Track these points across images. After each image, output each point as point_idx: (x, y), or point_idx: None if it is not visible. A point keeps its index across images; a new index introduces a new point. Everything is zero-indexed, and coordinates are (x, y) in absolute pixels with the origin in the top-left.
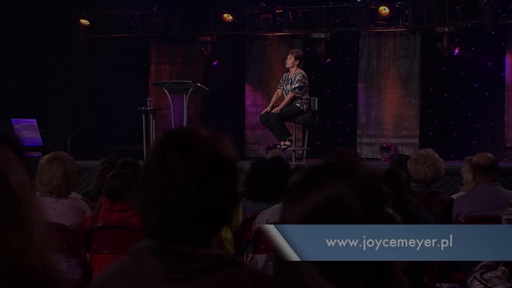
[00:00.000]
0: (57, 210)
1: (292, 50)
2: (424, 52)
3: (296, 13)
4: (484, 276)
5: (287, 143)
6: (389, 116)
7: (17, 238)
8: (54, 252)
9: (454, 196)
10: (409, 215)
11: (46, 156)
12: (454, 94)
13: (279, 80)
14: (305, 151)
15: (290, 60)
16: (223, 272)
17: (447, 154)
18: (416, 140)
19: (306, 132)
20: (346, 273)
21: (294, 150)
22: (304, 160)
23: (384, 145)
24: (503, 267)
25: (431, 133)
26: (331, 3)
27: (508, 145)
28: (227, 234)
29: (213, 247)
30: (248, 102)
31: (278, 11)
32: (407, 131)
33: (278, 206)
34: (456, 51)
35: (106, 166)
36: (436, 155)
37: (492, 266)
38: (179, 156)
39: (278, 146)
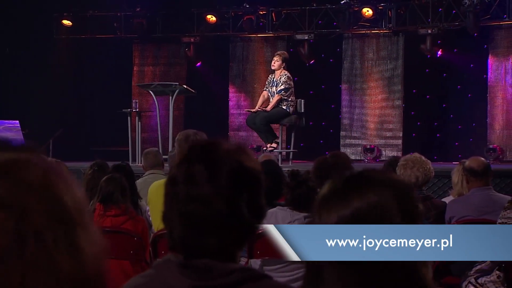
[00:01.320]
0: None
1: (278, 52)
2: (407, 53)
3: (280, 15)
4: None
5: (274, 145)
6: (372, 117)
7: (70, 264)
8: (108, 278)
9: (445, 200)
10: None
11: None
12: (437, 95)
13: (263, 82)
14: (291, 153)
15: (277, 62)
16: (250, 286)
17: (430, 156)
18: (399, 142)
19: (293, 134)
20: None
21: (280, 152)
22: (290, 162)
23: (368, 147)
24: (497, 272)
25: (414, 135)
26: (314, 5)
27: (491, 146)
28: None
29: (238, 260)
30: (231, 103)
31: (261, 13)
32: (390, 133)
33: (272, 210)
34: (439, 52)
35: (96, 170)
36: (423, 157)
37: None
38: (204, 169)
39: (264, 148)
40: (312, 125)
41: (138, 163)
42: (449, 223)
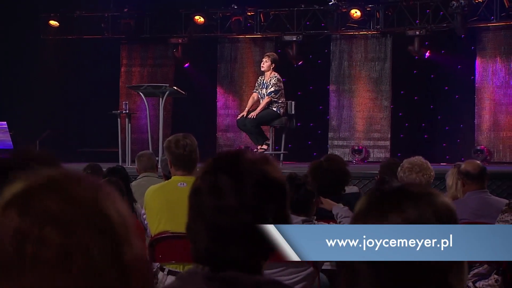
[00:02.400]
0: None
1: (267, 53)
2: (395, 55)
3: (268, 16)
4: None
5: (264, 147)
6: (361, 118)
7: (116, 279)
8: None
9: None
10: None
11: None
12: (425, 96)
13: (251, 83)
14: (281, 154)
15: (266, 63)
16: None
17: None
18: (387, 143)
19: (283, 136)
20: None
21: (271, 154)
22: (281, 164)
23: (356, 148)
24: (495, 276)
25: (401, 136)
26: (302, 6)
27: (478, 147)
28: None
29: (263, 272)
30: (219, 104)
31: (249, 14)
32: (378, 134)
33: None
34: (427, 54)
35: (89, 173)
36: (428, 163)
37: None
38: (230, 180)
39: (255, 150)
40: (300, 126)
41: (129, 165)
42: None
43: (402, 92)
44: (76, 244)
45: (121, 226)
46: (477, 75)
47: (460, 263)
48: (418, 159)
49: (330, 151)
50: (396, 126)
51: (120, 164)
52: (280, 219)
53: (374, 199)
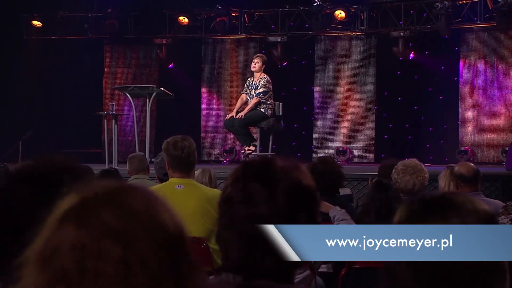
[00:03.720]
0: None
1: (259, 54)
2: (379, 56)
3: (252, 16)
4: None
5: (252, 148)
6: (345, 119)
7: None
8: None
9: None
10: None
11: (15, 167)
12: (409, 97)
13: (236, 84)
14: (269, 156)
15: (258, 64)
16: None
17: (401, 158)
18: (372, 144)
19: (270, 137)
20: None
21: (258, 156)
22: None
23: (340, 149)
24: None
25: (386, 137)
26: (287, 7)
27: (462, 148)
28: (215, 245)
29: (293, 281)
30: (204, 105)
31: (234, 14)
32: (363, 134)
33: None
34: (411, 55)
35: None
36: (422, 165)
37: None
38: (262, 188)
39: (242, 151)
40: (284, 127)
41: (115, 166)
42: None
43: (386, 93)
44: (135, 257)
45: (177, 238)
46: (461, 76)
47: (500, 266)
48: (412, 161)
49: (314, 152)
50: (380, 127)
51: (106, 165)
52: None
53: (415, 209)
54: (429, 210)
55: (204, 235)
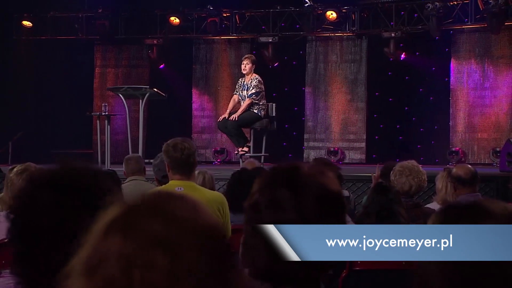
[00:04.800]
0: None
1: (247, 56)
2: (370, 56)
3: (244, 17)
4: None
5: (245, 149)
6: (336, 120)
7: None
8: None
9: (430, 206)
10: None
11: (14, 169)
12: (399, 98)
13: (227, 84)
14: (262, 157)
15: (248, 65)
16: None
17: (392, 158)
18: (363, 144)
19: (264, 138)
20: None
21: (251, 157)
22: (262, 165)
23: (331, 149)
24: None
25: (376, 137)
26: (278, 7)
27: (453, 149)
28: None
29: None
30: (195, 105)
31: (225, 15)
32: (354, 135)
33: None
34: (402, 56)
35: None
36: (420, 167)
37: None
38: (289, 194)
39: (236, 152)
40: (271, 126)
41: (108, 167)
42: None
43: (377, 93)
44: (183, 267)
45: (222, 245)
46: (451, 77)
47: None
48: (410, 162)
49: (305, 153)
50: (371, 128)
51: (99, 166)
52: None
53: (450, 216)
54: (465, 217)
55: None
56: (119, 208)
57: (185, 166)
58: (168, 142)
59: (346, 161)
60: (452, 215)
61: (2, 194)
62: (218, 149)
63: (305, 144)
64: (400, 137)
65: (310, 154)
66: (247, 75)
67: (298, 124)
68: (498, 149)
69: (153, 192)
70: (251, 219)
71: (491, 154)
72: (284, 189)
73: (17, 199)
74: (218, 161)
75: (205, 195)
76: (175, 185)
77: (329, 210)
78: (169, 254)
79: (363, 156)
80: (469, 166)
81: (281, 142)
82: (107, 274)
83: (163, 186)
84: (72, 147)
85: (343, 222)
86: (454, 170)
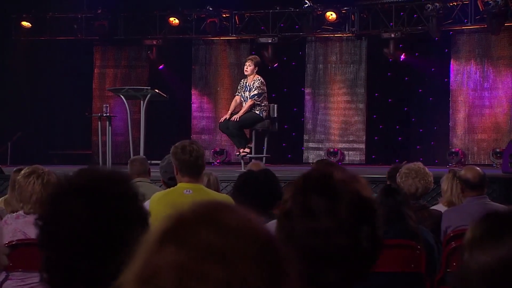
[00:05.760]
0: None
1: (250, 57)
2: (370, 57)
3: (243, 18)
4: None
5: (247, 150)
6: (336, 121)
7: None
8: None
9: (435, 208)
10: (409, 232)
11: (22, 172)
12: (399, 99)
13: (226, 85)
14: (264, 158)
15: (250, 67)
16: None
17: (391, 159)
18: (362, 145)
19: (265, 139)
20: None
21: (252, 158)
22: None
23: (331, 150)
24: None
25: (376, 138)
26: (278, 8)
27: (453, 150)
28: None
29: None
30: (194, 106)
31: (224, 15)
32: (353, 136)
33: (272, 222)
34: (402, 56)
35: None
36: (426, 169)
37: None
38: (323, 201)
39: (237, 153)
40: (272, 128)
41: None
42: (446, 232)
43: (376, 94)
44: (239, 278)
45: (276, 255)
46: (451, 78)
47: None
48: (416, 164)
49: (305, 154)
50: (371, 129)
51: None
52: (374, 241)
53: (490, 224)
54: (506, 227)
55: None
56: (171, 218)
57: (193, 168)
58: (176, 144)
59: (346, 162)
60: (493, 226)
61: (6, 196)
62: (218, 150)
63: (305, 145)
64: (400, 138)
65: (310, 155)
66: (249, 76)
67: (297, 125)
68: (498, 150)
69: (204, 202)
70: (283, 227)
71: (491, 155)
72: (317, 197)
73: (46, 206)
74: (217, 162)
75: (214, 197)
76: (183, 187)
77: (364, 217)
78: (224, 265)
79: (363, 157)
80: (478, 168)
81: (281, 143)
82: (161, 285)
83: (172, 188)
84: (71, 147)
85: (378, 229)
86: (462, 172)
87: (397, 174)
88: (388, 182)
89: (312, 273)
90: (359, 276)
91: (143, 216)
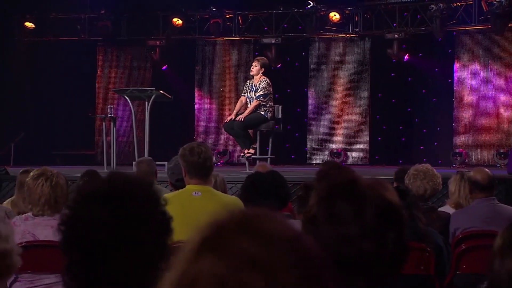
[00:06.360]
0: (55, 227)
1: (258, 58)
2: (373, 58)
3: (246, 18)
4: None
5: (251, 151)
6: (339, 121)
7: None
8: None
9: (442, 209)
10: (419, 234)
11: (31, 174)
12: (402, 99)
13: (229, 85)
14: (268, 159)
15: (255, 68)
16: None
17: (395, 159)
18: (366, 146)
19: (270, 140)
20: None
21: (256, 159)
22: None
23: (334, 151)
24: None
25: (379, 138)
26: (281, 8)
27: (457, 150)
28: None
29: None
30: (197, 106)
31: (228, 16)
32: (357, 137)
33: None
34: (406, 57)
35: (86, 180)
36: (434, 170)
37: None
38: (350, 207)
39: (242, 154)
40: (277, 129)
41: (113, 169)
42: (454, 234)
43: (379, 95)
44: None
45: (318, 263)
46: (455, 78)
47: None
48: (424, 166)
49: (308, 154)
50: (374, 129)
51: (105, 168)
52: (401, 247)
53: None
54: None
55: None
56: (209, 227)
57: (202, 170)
58: (184, 146)
59: (349, 162)
60: None
61: (13, 197)
62: (221, 150)
63: (308, 145)
64: (403, 139)
65: (313, 156)
66: (255, 76)
67: (300, 125)
68: (502, 151)
69: (241, 210)
70: (308, 233)
71: (495, 156)
72: (344, 202)
73: (69, 211)
74: (221, 163)
75: (223, 199)
76: (192, 189)
77: (390, 223)
78: (264, 274)
79: (366, 158)
80: (487, 170)
81: (284, 143)
82: None
83: (180, 191)
84: (74, 148)
85: (404, 235)
86: (471, 173)
87: (405, 176)
88: (395, 184)
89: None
90: (385, 282)
91: (166, 221)
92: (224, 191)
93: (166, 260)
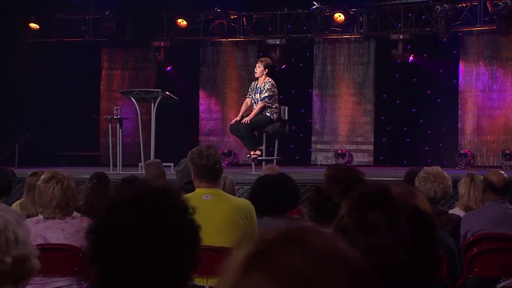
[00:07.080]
0: (66, 231)
1: (261, 59)
2: (378, 58)
3: (251, 19)
4: None
5: (257, 152)
6: (344, 122)
7: None
8: None
9: (452, 212)
10: None
11: (42, 177)
12: (407, 100)
13: (234, 86)
14: (275, 160)
15: (259, 69)
16: None
17: (399, 160)
18: (371, 147)
19: (276, 141)
20: None
21: (262, 160)
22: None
23: (339, 152)
24: None
25: (384, 139)
26: (286, 9)
27: (462, 151)
28: None
29: None
30: (202, 107)
31: (232, 17)
32: (362, 137)
33: None
34: (410, 58)
35: (95, 183)
36: (444, 173)
37: None
38: (382, 217)
39: (248, 156)
40: (283, 130)
41: (120, 171)
42: (465, 237)
43: (384, 95)
44: None
45: (370, 284)
46: (460, 79)
47: None
48: (434, 169)
49: (313, 155)
50: (379, 130)
51: (111, 169)
52: (433, 257)
53: None
54: None
55: (232, 246)
56: (257, 243)
57: (211, 173)
58: (193, 149)
59: (354, 163)
60: None
61: (22, 200)
62: (226, 151)
63: (312, 146)
64: (408, 139)
65: (317, 157)
66: (259, 78)
67: (305, 126)
68: (507, 152)
69: (290, 225)
70: None
71: (500, 157)
72: (376, 212)
73: (99, 220)
74: (225, 164)
75: (233, 202)
76: (202, 193)
77: (423, 232)
78: None
79: (371, 159)
80: (503, 172)
81: (288, 144)
82: None
83: (190, 194)
84: (78, 149)
85: (437, 244)
86: (487, 174)
87: (416, 179)
88: None
89: None
90: None
91: (194, 229)
92: (233, 193)
93: (194, 269)
